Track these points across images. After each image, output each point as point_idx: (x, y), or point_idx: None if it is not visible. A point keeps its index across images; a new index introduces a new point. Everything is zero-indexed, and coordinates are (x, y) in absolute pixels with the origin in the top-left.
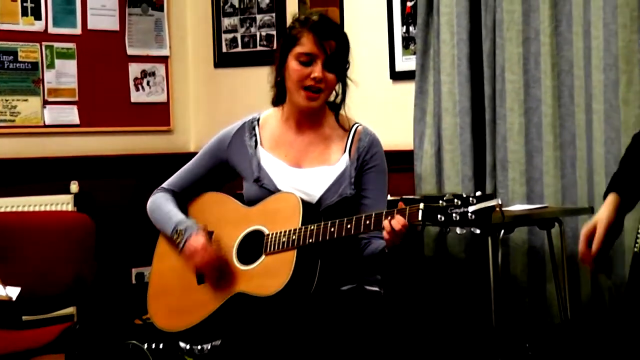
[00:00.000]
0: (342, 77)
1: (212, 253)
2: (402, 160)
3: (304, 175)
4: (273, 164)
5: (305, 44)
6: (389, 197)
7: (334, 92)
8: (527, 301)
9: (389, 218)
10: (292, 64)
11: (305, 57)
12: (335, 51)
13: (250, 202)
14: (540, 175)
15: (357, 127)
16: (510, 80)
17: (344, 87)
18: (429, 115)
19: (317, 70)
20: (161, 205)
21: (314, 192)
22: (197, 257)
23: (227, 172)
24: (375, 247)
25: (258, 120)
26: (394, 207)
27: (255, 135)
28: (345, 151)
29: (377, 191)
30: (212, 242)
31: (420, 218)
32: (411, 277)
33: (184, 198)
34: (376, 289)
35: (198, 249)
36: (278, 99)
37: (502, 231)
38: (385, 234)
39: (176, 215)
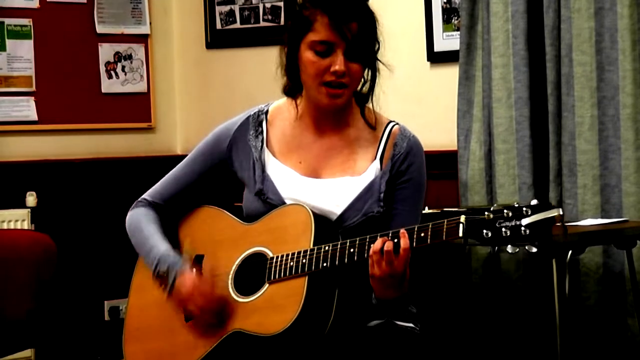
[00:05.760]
0: (370, 62)
1: (207, 294)
2: (442, 164)
3: (321, 187)
4: (282, 173)
5: (320, 31)
6: (428, 211)
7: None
8: (602, 340)
9: (423, 234)
10: (307, 55)
11: (322, 46)
12: (358, 35)
13: (251, 217)
14: (618, 182)
15: (393, 127)
16: (580, 62)
17: (374, 73)
18: (476, 107)
19: (338, 62)
20: (141, 226)
21: (334, 209)
22: (190, 304)
23: (226, 176)
24: None
25: (266, 113)
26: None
27: (262, 133)
28: (375, 158)
29: (408, 213)
30: (204, 273)
31: (461, 234)
32: (455, 310)
33: (171, 211)
34: (410, 325)
35: (186, 293)
36: (292, 89)
37: (570, 252)
38: (370, 268)
39: (157, 245)
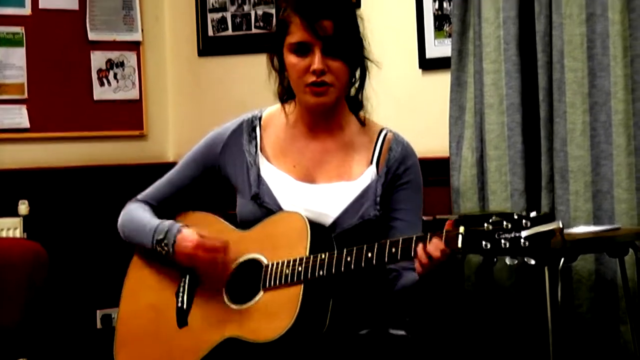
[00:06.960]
0: (355, 60)
1: (211, 242)
2: (435, 171)
3: (316, 192)
4: (277, 178)
5: (295, 32)
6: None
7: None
8: (595, 347)
9: (423, 244)
10: (289, 59)
11: (299, 47)
12: (334, 32)
13: (245, 223)
14: (610, 188)
15: (386, 133)
16: (571, 68)
17: (363, 72)
18: (468, 114)
19: (315, 61)
20: (134, 216)
21: (329, 213)
22: (197, 259)
23: (219, 181)
24: (408, 281)
25: (260, 119)
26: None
27: (255, 138)
28: (371, 163)
29: (411, 213)
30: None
31: (460, 245)
32: (447, 318)
33: (162, 215)
34: (402, 332)
35: (193, 250)
36: (284, 94)
37: (563, 259)
38: (417, 264)
39: (150, 221)
